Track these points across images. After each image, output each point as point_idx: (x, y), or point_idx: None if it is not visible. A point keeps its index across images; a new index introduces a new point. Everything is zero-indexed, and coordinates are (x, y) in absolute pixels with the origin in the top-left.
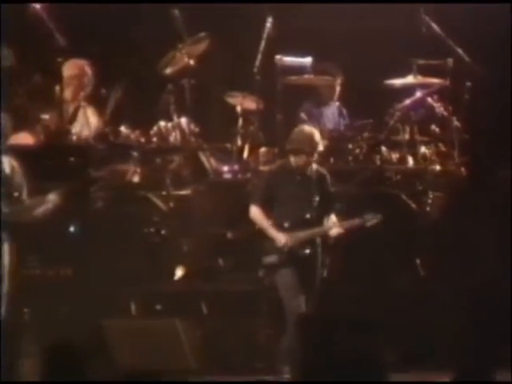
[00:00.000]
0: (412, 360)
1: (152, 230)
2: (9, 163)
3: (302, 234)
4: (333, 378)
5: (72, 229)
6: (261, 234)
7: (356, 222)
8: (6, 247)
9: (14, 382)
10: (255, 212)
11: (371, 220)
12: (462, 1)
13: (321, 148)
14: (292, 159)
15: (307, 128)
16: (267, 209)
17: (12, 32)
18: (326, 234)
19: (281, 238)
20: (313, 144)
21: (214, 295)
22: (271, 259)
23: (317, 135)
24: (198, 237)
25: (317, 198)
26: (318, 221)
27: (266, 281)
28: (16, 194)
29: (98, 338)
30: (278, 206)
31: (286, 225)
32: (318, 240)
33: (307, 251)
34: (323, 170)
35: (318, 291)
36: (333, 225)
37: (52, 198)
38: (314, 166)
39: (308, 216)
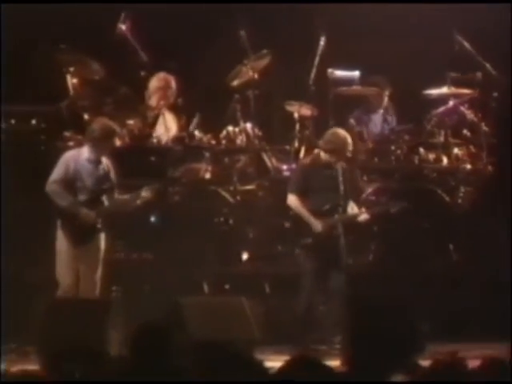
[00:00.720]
0: (445, 334)
1: (221, 219)
2: (106, 162)
3: (333, 220)
4: (375, 347)
5: (153, 219)
6: (297, 219)
7: (381, 208)
8: (103, 234)
9: (14, 381)
10: (292, 200)
11: (395, 207)
12: (462, 1)
13: (350, 149)
14: (323, 155)
15: (341, 132)
16: (302, 197)
17: (102, 49)
18: (354, 220)
19: (316, 224)
20: (345, 147)
21: (274, 276)
22: (307, 241)
23: (349, 139)
24: (260, 226)
25: (343, 188)
26: (345, 209)
27: (301, 259)
28: (112, 190)
29: (175, 313)
30: (311, 195)
31: (319, 211)
32: (343, 225)
33: (339, 234)
34: (345, 164)
35: (346, 271)
36: (359, 211)
37: (144, 194)
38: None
39: (336, 204)
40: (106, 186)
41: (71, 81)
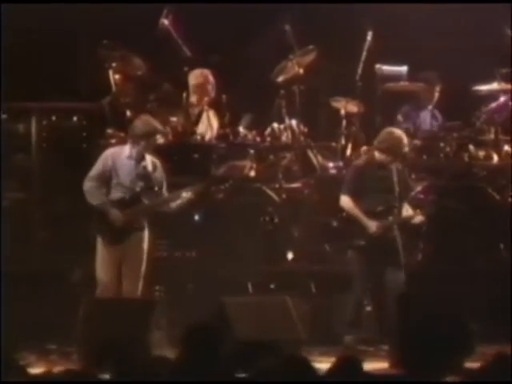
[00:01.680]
0: (492, 332)
1: (266, 218)
2: (151, 161)
3: (388, 222)
4: (424, 348)
5: (197, 217)
6: (350, 220)
7: (435, 209)
8: (146, 234)
9: (13, 381)
10: (345, 201)
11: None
12: (462, 1)
13: (406, 150)
14: (377, 155)
15: (397, 131)
16: (355, 198)
17: (144, 44)
18: (408, 222)
19: (371, 225)
20: (400, 146)
21: (320, 275)
22: (360, 242)
23: (405, 139)
24: (306, 224)
25: (397, 189)
26: (399, 210)
27: (354, 260)
28: (156, 189)
29: (219, 314)
30: (365, 197)
31: (373, 213)
32: (398, 226)
33: (394, 236)
34: (400, 165)
35: (404, 272)
36: (414, 213)
37: (184, 195)
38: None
39: (390, 205)
40: (144, 184)
41: (113, 77)
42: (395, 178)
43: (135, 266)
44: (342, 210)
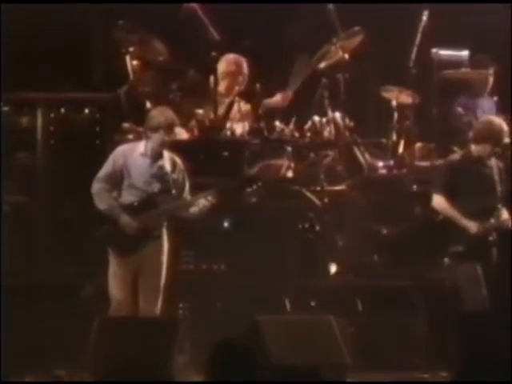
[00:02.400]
0: None
1: (306, 225)
2: (170, 159)
3: (490, 224)
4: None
5: (226, 224)
6: (443, 224)
7: None
8: (164, 243)
9: (13, 381)
10: (439, 201)
11: None
12: (462, 1)
13: (507, 140)
14: (474, 149)
15: (496, 119)
16: (449, 198)
17: (166, 26)
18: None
19: (472, 226)
20: (501, 135)
21: (368, 291)
22: (458, 248)
23: (505, 127)
24: (352, 232)
25: (499, 189)
26: (498, 211)
27: (450, 270)
28: (175, 191)
29: (252, 334)
30: (461, 196)
31: (469, 215)
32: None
33: (493, 241)
34: (500, 163)
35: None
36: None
37: (209, 198)
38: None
39: (490, 206)
40: (161, 186)
41: (131, 63)
42: (496, 176)
43: (153, 280)
44: (436, 213)
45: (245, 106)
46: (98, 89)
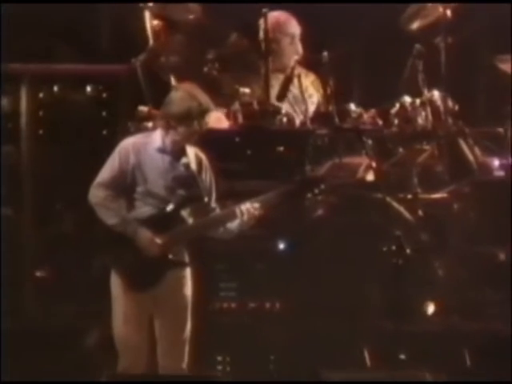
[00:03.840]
0: None
1: (393, 247)
2: (195, 156)
3: None
4: None
5: (281, 246)
6: None
7: None
8: (188, 273)
9: (13, 381)
10: None
11: None
12: (462, 1)
13: None
14: None
15: None
16: None
17: None
18: None
19: None
20: None
21: (479, 339)
22: None
23: None
24: (457, 257)
25: None
26: None
27: None
28: (204, 199)
29: None
30: None
31: None
32: None
33: None
34: None
35: None
36: None
37: (249, 207)
38: None
39: None
40: (186, 193)
41: (151, 23)
42: None
43: (175, 322)
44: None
45: (309, 83)
46: (106, 59)
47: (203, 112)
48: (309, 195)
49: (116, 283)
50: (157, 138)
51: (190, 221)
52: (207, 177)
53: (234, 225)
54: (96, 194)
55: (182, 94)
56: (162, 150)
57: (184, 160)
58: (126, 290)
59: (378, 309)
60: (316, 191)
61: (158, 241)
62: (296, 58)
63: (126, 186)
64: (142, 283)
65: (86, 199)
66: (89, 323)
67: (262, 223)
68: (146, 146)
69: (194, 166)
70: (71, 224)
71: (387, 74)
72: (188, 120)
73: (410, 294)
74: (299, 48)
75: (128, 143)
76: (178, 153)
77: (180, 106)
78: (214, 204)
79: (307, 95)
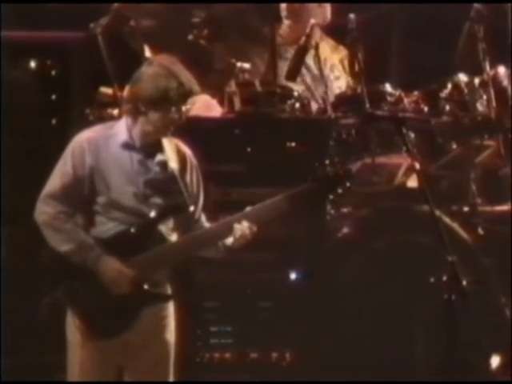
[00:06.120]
0: None
1: (444, 277)
2: (176, 151)
3: None
4: None
5: (293, 276)
6: None
7: None
8: (170, 311)
9: (13, 381)
10: None
11: None
12: (463, 1)
13: None
14: None
15: None
16: None
17: None
18: None
19: None
20: None
21: None
22: None
23: None
24: None
25: None
26: None
27: None
28: (189, 209)
29: None
30: None
31: None
32: None
33: None
34: None
35: None
36: None
37: (244, 224)
38: None
39: None
40: (164, 201)
41: None
42: None
43: (152, 377)
44: None
45: (328, 52)
46: (55, 25)
47: (185, 94)
48: (330, 197)
49: (73, 327)
50: (121, 129)
51: (172, 239)
52: (193, 178)
53: (227, 242)
54: (43, 210)
55: (156, 69)
56: (128, 146)
57: (159, 157)
58: (86, 336)
59: (425, 364)
60: (340, 191)
61: (129, 272)
62: (313, 21)
63: (82, 196)
64: (109, 326)
65: (28, 216)
66: (36, 378)
67: (267, 244)
68: (107, 141)
69: (173, 164)
70: (11, 252)
71: (435, 44)
72: (164, 105)
73: (468, 342)
74: (328, 13)
75: (83, 139)
76: (150, 148)
77: (153, 86)
78: (201, 215)
79: (332, 76)
